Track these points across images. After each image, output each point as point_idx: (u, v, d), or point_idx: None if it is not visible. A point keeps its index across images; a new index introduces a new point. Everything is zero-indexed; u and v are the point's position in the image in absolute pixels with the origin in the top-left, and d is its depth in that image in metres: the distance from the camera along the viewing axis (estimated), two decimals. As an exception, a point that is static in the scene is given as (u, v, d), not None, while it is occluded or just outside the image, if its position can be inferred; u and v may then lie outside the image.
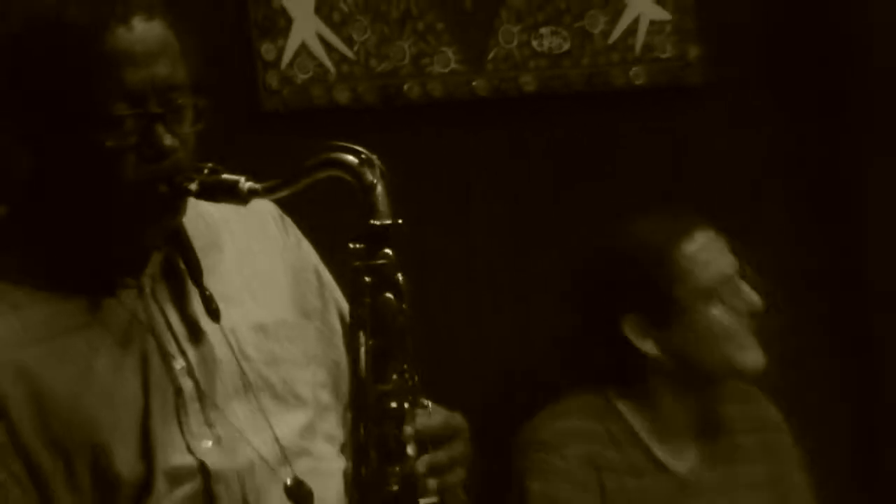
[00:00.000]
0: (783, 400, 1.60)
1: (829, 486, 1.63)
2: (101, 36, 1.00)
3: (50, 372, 1.07)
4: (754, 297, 1.54)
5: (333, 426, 1.21)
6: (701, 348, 1.55)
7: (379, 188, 0.99)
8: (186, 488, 1.09)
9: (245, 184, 1.00)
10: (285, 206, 1.15)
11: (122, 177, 1.01)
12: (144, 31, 1.02)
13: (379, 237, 0.99)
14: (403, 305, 1.03)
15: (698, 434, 1.62)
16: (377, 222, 0.99)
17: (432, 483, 1.01)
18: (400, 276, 1.02)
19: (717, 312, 1.54)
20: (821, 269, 1.78)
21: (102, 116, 1.00)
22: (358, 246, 1.01)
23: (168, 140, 1.01)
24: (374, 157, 1.01)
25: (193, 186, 1.02)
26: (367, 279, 1.01)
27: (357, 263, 1.01)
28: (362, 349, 1.05)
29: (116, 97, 1.00)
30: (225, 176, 1.02)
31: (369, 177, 0.99)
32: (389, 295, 1.02)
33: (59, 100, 1.02)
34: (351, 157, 1.00)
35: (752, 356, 1.55)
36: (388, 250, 1.00)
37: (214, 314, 1.10)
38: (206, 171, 1.03)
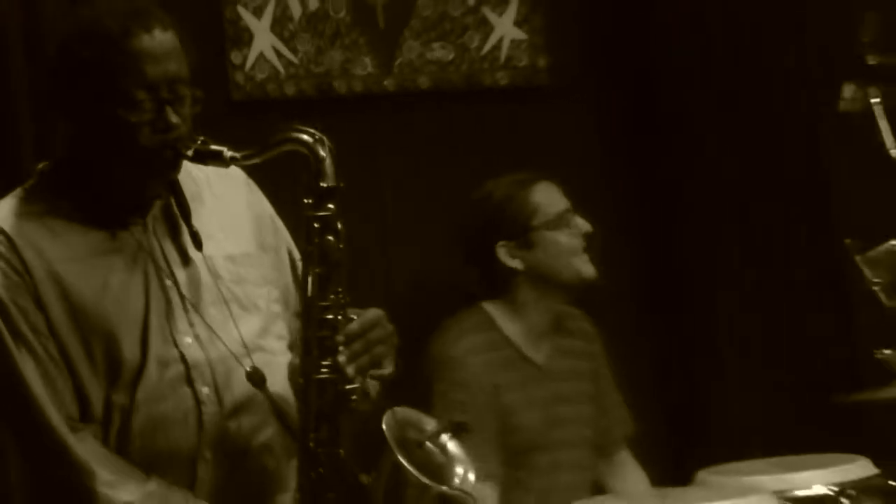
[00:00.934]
0: (598, 308, 2.16)
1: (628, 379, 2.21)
2: (128, 41, 1.29)
3: (79, 281, 1.34)
4: (586, 224, 2.03)
5: (282, 330, 1.46)
6: (554, 263, 2.03)
7: (328, 160, 1.28)
8: (172, 371, 1.35)
9: (228, 153, 1.29)
10: (253, 172, 1.45)
11: (139, 143, 1.30)
12: (160, 37, 1.31)
13: (325, 195, 1.28)
14: (340, 245, 1.30)
15: (551, 332, 2.08)
16: (325, 184, 1.28)
17: (352, 370, 1.28)
18: (339, 224, 1.30)
19: (563, 236, 2.04)
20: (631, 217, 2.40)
21: (128, 99, 1.29)
22: (309, 201, 1.30)
23: (173, 118, 1.29)
24: (324, 136, 1.29)
25: (190, 152, 1.30)
26: (315, 225, 1.29)
27: (309, 213, 1.30)
28: (310, 276, 1.31)
29: (138, 86, 1.29)
30: (213, 146, 1.30)
31: (321, 151, 1.28)
32: (331, 237, 1.29)
33: (97, 86, 1.30)
34: (307, 136, 1.29)
35: (587, 268, 2.03)
36: (331, 205, 1.29)
37: (198, 245, 1.38)
38: (199, 141, 1.31)
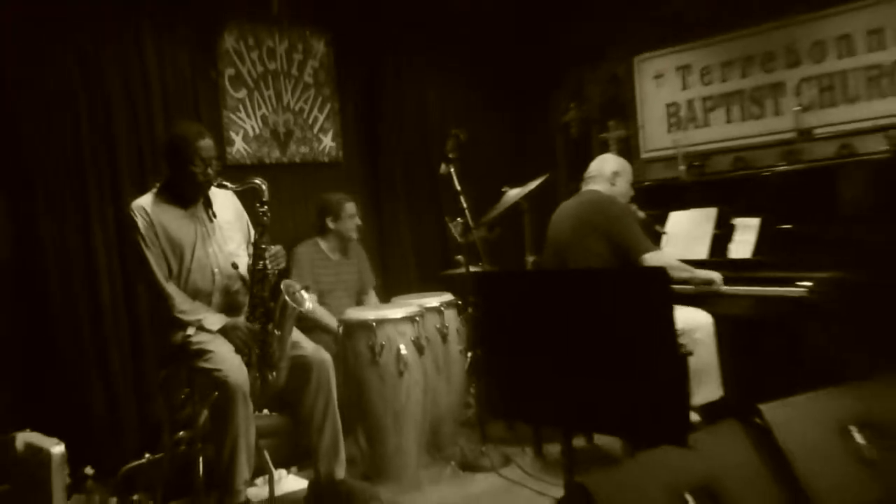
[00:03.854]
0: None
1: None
2: (196, 141, 3.44)
3: (170, 225, 3.42)
4: (358, 220, 4.71)
5: (244, 250, 3.58)
6: (343, 227, 4.61)
7: (264, 188, 3.43)
8: (204, 261, 3.46)
9: (229, 185, 3.47)
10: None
11: (197, 178, 3.45)
12: (207, 141, 3.47)
13: (263, 202, 3.40)
14: (266, 219, 3.41)
15: (341, 250, 4.77)
16: (264, 199, 3.42)
17: (270, 265, 3.42)
18: (266, 214, 3.41)
19: (349, 221, 4.64)
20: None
21: (194, 164, 3.43)
22: (262, 208, 3.43)
23: (210, 171, 3.46)
24: (261, 180, 3.45)
25: (215, 183, 3.48)
26: (263, 217, 3.43)
27: (260, 211, 3.43)
28: (255, 231, 3.47)
29: (199, 159, 3.44)
30: (223, 182, 3.47)
31: (263, 187, 3.43)
32: (264, 217, 3.42)
33: (182, 158, 3.45)
34: (258, 181, 3.45)
35: (354, 233, 4.69)
36: (265, 206, 3.42)
37: (213, 216, 3.54)
38: (219, 180, 3.46)
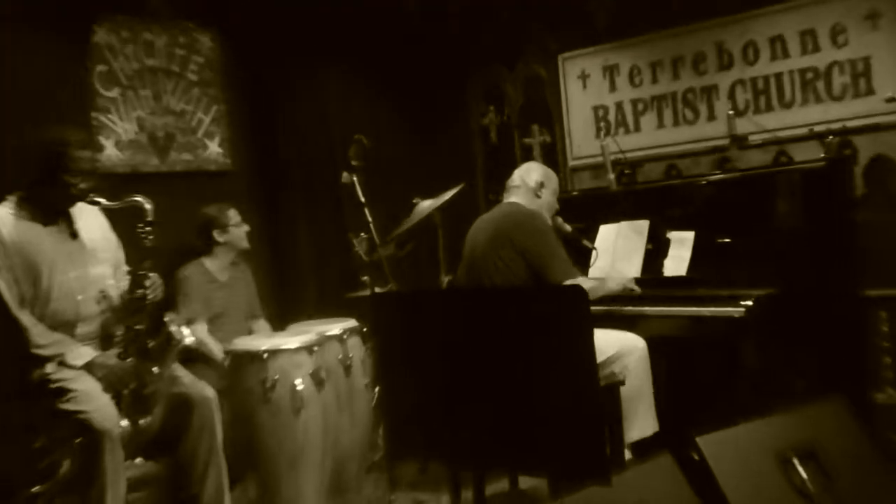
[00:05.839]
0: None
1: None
2: (77, 150, 3.38)
3: (24, 239, 3.28)
4: (246, 227, 4.66)
5: (110, 274, 3.55)
6: (233, 240, 4.59)
7: (148, 207, 3.40)
8: (65, 285, 3.34)
9: (100, 199, 3.39)
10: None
11: (70, 191, 3.37)
12: (88, 150, 3.48)
13: (148, 223, 3.38)
14: (151, 237, 3.45)
15: (229, 266, 4.69)
16: (149, 218, 3.39)
17: (150, 294, 3.41)
18: (150, 234, 3.40)
19: (237, 230, 4.58)
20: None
21: (71, 174, 3.36)
22: (144, 228, 3.38)
23: (84, 186, 3.39)
24: (144, 198, 3.42)
25: (85, 196, 3.41)
26: (145, 239, 3.40)
27: (141, 232, 3.38)
28: (137, 265, 3.46)
29: (77, 170, 3.37)
30: (94, 196, 3.40)
31: (146, 205, 3.41)
32: (148, 244, 3.43)
33: (56, 166, 3.34)
34: (141, 198, 3.43)
35: (245, 244, 4.64)
36: (148, 229, 3.38)
37: (75, 234, 3.47)
38: (90, 194, 3.39)
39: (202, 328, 4.30)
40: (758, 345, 3.61)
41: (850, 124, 4.46)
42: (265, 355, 3.81)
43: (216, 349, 4.27)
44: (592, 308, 3.82)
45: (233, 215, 4.57)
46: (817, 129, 4.51)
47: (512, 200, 4.08)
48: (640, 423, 3.76)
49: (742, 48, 4.85)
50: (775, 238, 3.87)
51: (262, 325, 4.73)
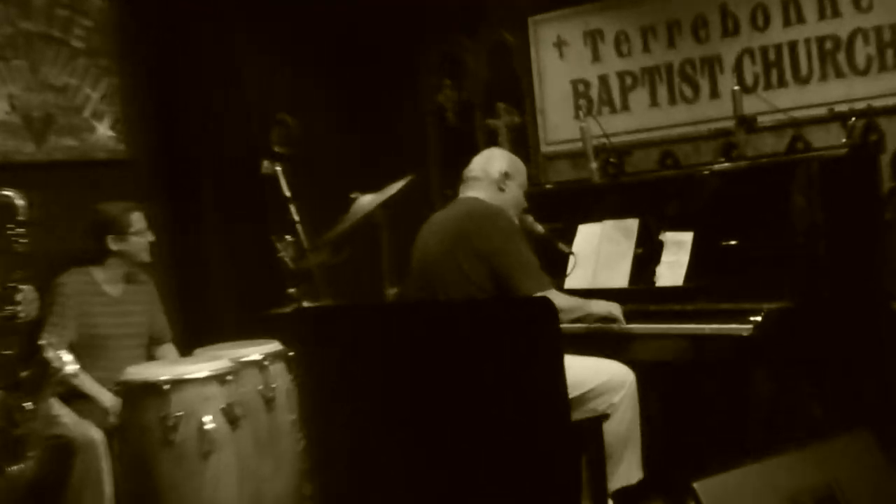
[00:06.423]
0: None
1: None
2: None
3: None
4: (151, 236, 4.60)
5: None
6: (132, 249, 4.49)
7: (20, 204, 3.46)
8: None
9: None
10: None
11: None
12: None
13: (20, 223, 3.43)
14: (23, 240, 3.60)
15: (124, 280, 4.58)
16: (22, 218, 3.45)
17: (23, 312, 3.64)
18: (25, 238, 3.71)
19: (137, 238, 4.54)
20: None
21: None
22: (17, 230, 3.41)
23: None
24: (15, 192, 3.47)
25: None
26: (16, 243, 3.50)
27: (12, 235, 3.42)
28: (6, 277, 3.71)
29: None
30: None
31: (18, 202, 3.46)
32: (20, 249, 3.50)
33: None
34: (12, 193, 3.49)
35: (146, 255, 4.58)
36: (22, 230, 3.43)
37: None
38: None
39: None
40: (768, 368, 3.65)
41: (876, 104, 4.52)
42: (166, 387, 3.74)
43: (98, 391, 4.19)
44: (570, 327, 3.95)
45: (136, 220, 4.53)
46: (838, 108, 4.57)
47: (471, 195, 4.08)
48: (626, 468, 3.76)
49: (750, 12, 4.90)
50: (789, 240, 3.90)
51: (168, 350, 4.71)
